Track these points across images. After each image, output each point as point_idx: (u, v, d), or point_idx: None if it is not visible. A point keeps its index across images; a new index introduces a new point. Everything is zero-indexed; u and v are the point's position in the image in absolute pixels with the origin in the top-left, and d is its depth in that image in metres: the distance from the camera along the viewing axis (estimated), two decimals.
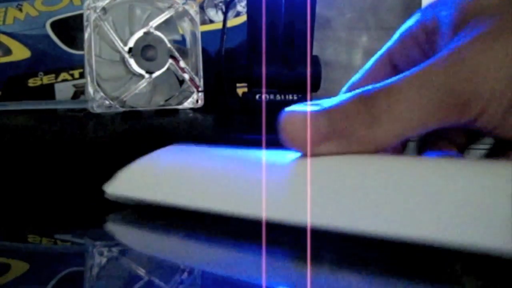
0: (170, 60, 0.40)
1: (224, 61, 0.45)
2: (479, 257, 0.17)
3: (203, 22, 0.57)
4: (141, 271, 0.20)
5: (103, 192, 0.27)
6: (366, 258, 0.20)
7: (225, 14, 0.47)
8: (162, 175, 0.26)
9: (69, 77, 0.56)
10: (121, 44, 0.39)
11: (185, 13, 0.41)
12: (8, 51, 0.55)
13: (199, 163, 0.26)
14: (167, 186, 0.25)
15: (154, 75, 0.40)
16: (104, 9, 0.39)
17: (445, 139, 0.25)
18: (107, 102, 0.39)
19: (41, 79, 0.55)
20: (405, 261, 0.19)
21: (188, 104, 0.41)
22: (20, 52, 0.55)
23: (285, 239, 0.22)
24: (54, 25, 0.55)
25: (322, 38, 0.63)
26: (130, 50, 0.39)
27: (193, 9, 0.41)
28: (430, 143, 0.25)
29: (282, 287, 0.19)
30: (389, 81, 0.20)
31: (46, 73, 0.55)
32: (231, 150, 0.26)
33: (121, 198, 0.26)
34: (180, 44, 0.42)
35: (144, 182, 0.26)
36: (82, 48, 0.39)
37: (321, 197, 0.20)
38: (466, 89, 0.19)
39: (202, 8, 0.57)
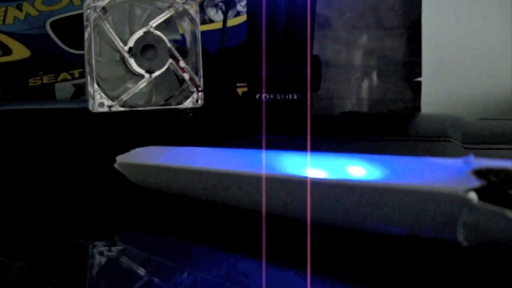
0: (170, 60, 0.40)
1: (224, 61, 0.45)
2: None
3: (203, 22, 0.57)
4: (141, 271, 0.20)
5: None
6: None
7: (225, 13, 0.47)
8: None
9: (69, 77, 0.56)
10: (121, 44, 0.39)
11: (185, 12, 0.41)
12: (8, 51, 0.55)
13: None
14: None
15: (154, 74, 0.40)
16: (104, 9, 0.39)
17: None
18: (107, 102, 0.38)
19: (41, 79, 0.55)
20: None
21: (188, 103, 0.41)
22: (20, 52, 0.55)
23: (286, 239, 0.22)
24: (54, 25, 0.55)
25: (322, 38, 0.63)
26: (130, 49, 0.39)
27: (193, 9, 0.41)
28: None
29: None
30: None
31: (46, 73, 0.55)
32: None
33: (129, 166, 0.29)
34: (180, 43, 0.42)
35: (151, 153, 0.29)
36: (82, 48, 0.39)
37: None
38: None
39: (202, 8, 0.57)
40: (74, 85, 0.56)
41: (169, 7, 0.41)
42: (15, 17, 0.54)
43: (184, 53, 0.41)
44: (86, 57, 0.39)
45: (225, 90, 0.47)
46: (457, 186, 0.17)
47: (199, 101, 0.41)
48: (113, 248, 0.24)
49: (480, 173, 0.17)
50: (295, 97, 0.43)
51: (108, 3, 0.39)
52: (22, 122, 0.42)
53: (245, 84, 0.46)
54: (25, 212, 0.29)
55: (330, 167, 0.21)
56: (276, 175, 0.22)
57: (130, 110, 0.39)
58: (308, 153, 0.22)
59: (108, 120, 0.39)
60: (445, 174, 0.17)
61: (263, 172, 0.22)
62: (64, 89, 0.56)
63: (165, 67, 0.40)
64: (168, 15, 0.40)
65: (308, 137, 0.32)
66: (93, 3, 0.38)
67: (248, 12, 0.44)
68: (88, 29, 0.38)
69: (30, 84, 0.55)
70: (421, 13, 0.62)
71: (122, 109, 0.39)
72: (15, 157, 0.38)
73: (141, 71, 0.40)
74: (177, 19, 0.42)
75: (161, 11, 0.41)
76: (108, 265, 0.21)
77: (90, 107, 0.38)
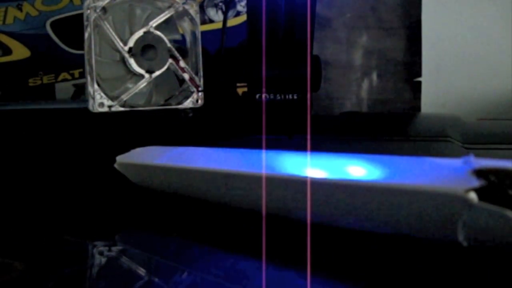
0: (170, 60, 0.40)
1: (224, 61, 0.45)
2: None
3: (203, 22, 0.57)
4: (141, 271, 0.20)
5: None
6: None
7: (225, 13, 0.47)
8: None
9: (69, 77, 0.56)
10: (121, 44, 0.39)
11: (185, 12, 0.41)
12: (8, 51, 0.55)
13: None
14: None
15: (154, 74, 0.40)
16: (104, 9, 0.39)
17: None
18: (107, 102, 0.38)
19: (41, 79, 0.55)
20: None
21: (188, 103, 0.41)
22: (20, 52, 0.55)
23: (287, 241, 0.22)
24: (54, 25, 0.55)
25: (322, 38, 0.63)
26: (130, 49, 0.39)
27: (193, 9, 0.41)
28: None
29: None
30: None
31: (46, 73, 0.55)
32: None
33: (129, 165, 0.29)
34: (180, 43, 0.42)
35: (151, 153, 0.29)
36: (82, 48, 0.39)
37: None
38: None
39: (202, 8, 0.57)
40: (74, 85, 0.56)
41: (169, 7, 0.41)
42: (15, 17, 0.54)
43: (184, 53, 0.41)
44: (86, 57, 0.39)
45: (225, 90, 0.47)
46: (457, 186, 0.17)
47: (199, 101, 0.41)
48: (113, 248, 0.24)
49: (480, 173, 0.17)
50: (295, 97, 0.43)
51: (108, 3, 0.39)
52: (22, 122, 0.42)
53: (245, 84, 0.46)
54: (25, 212, 0.29)
55: (330, 167, 0.21)
56: (276, 175, 0.22)
57: (130, 110, 0.39)
58: (308, 153, 0.22)
59: (108, 120, 0.39)
60: (445, 174, 0.17)
61: (263, 172, 0.22)
62: (64, 89, 0.56)
63: (165, 67, 0.40)
64: (168, 15, 0.40)
65: (308, 137, 0.32)
66: (93, 3, 0.38)
67: (248, 12, 0.44)
68: (88, 29, 0.38)
69: (30, 84, 0.55)
70: (421, 13, 0.62)
71: (122, 109, 0.39)
72: (15, 157, 0.38)
73: (141, 71, 0.40)
74: (177, 19, 0.42)
75: (161, 11, 0.41)
76: (108, 265, 0.21)
77: (90, 107, 0.38)
